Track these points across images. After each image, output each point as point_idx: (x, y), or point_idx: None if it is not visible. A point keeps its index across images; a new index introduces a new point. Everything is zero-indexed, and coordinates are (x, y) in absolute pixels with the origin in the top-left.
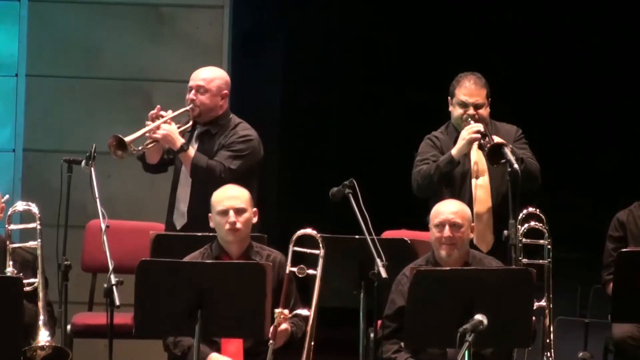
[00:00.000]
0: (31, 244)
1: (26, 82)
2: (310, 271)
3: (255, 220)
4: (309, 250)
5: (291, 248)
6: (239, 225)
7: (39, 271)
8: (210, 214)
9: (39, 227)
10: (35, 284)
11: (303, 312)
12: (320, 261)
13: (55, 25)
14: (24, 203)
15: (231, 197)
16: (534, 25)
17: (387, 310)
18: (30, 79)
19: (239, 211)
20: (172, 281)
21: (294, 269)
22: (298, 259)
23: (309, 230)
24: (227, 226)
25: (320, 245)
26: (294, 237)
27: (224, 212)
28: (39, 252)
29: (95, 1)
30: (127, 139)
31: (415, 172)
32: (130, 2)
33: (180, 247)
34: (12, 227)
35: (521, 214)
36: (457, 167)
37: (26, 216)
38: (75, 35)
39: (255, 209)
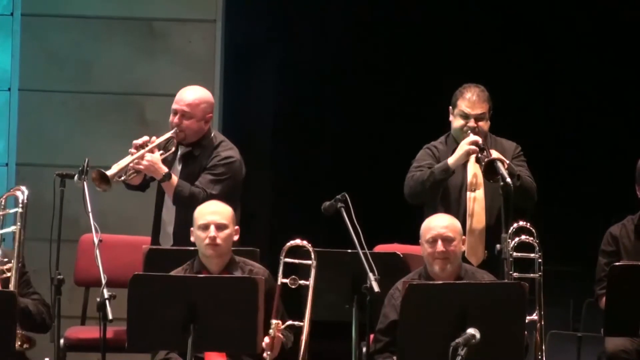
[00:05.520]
0: (11, 228)
1: (19, 97)
2: (302, 282)
3: (236, 238)
4: (300, 261)
5: (282, 259)
6: (219, 240)
7: (14, 260)
8: (192, 228)
9: (20, 211)
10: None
11: (295, 323)
12: (313, 271)
13: (48, 39)
14: (15, 188)
15: (213, 212)
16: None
17: (379, 324)
18: (23, 94)
19: (220, 227)
20: (164, 295)
21: (286, 280)
22: (291, 271)
23: (299, 241)
24: (207, 241)
25: (312, 255)
26: (285, 248)
27: (205, 227)
28: (17, 236)
29: (87, 16)
30: (110, 173)
31: (409, 177)
32: (123, 17)
33: (172, 261)
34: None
35: (512, 228)
36: (451, 178)
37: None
38: (68, 49)
39: (237, 227)
